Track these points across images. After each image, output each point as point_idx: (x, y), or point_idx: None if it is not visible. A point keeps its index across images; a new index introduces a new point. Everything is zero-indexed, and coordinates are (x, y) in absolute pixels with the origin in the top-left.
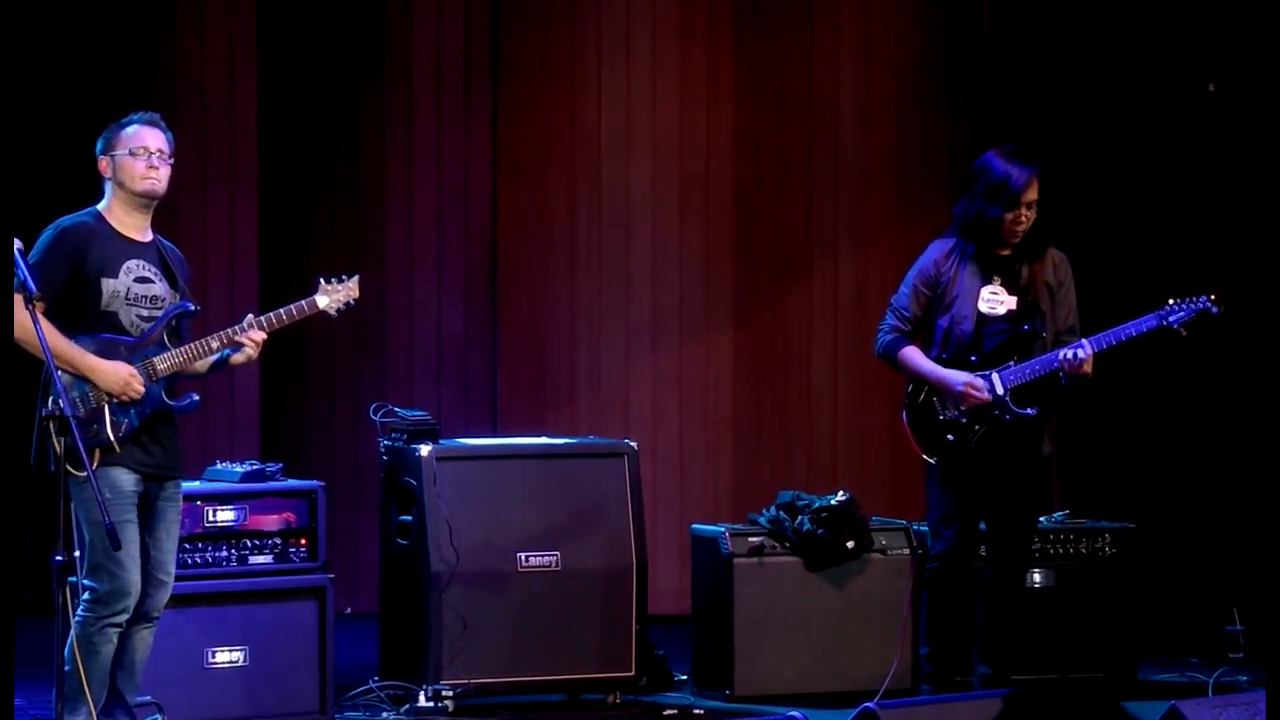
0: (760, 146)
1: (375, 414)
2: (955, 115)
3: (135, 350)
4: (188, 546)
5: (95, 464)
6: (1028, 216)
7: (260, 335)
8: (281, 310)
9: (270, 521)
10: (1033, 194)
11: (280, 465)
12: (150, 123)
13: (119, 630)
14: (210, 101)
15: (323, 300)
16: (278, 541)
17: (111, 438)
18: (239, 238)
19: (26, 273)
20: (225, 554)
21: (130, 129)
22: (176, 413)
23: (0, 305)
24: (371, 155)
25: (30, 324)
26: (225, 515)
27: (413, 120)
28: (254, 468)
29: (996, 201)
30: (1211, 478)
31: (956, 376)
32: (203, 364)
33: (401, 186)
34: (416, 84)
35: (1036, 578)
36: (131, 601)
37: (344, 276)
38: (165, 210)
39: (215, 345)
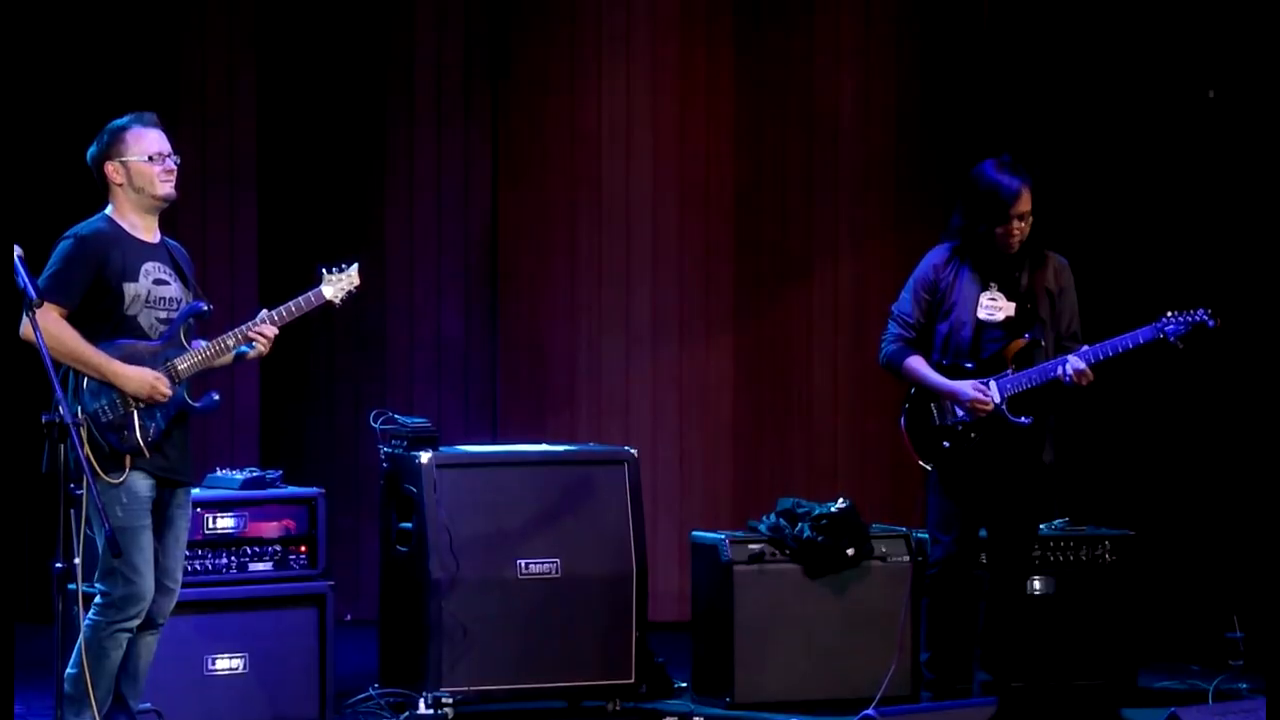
0: (760, 149)
1: (375, 421)
2: (955, 118)
3: (156, 354)
4: (188, 553)
5: (125, 471)
6: (1020, 229)
7: (273, 331)
8: (290, 304)
9: (270, 529)
10: (1024, 206)
11: (280, 472)
12: (155, 124)
13: (129, 635)
14: (210, 101)
15: (327, 290)
16: (278, 548)
17: (141, 442)
18: (239, 238)
19: (28, 280)
20: (225, 561)
21: (136, 130)
22: (199, 413)
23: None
24: (372, 157)
25: (60, 332)
26: (225, 522)
27: (413, 122)
28: (254, 475)
29: (987, 215)
30: (1211, 484)
31: (965, 387)
32: (222, 360)
33: (402, 188)
34: (417, 85)
35: (1037, 585)
36: (145, 606)
37: (343, 265)
38: (165, 210)
39: (231, 343)
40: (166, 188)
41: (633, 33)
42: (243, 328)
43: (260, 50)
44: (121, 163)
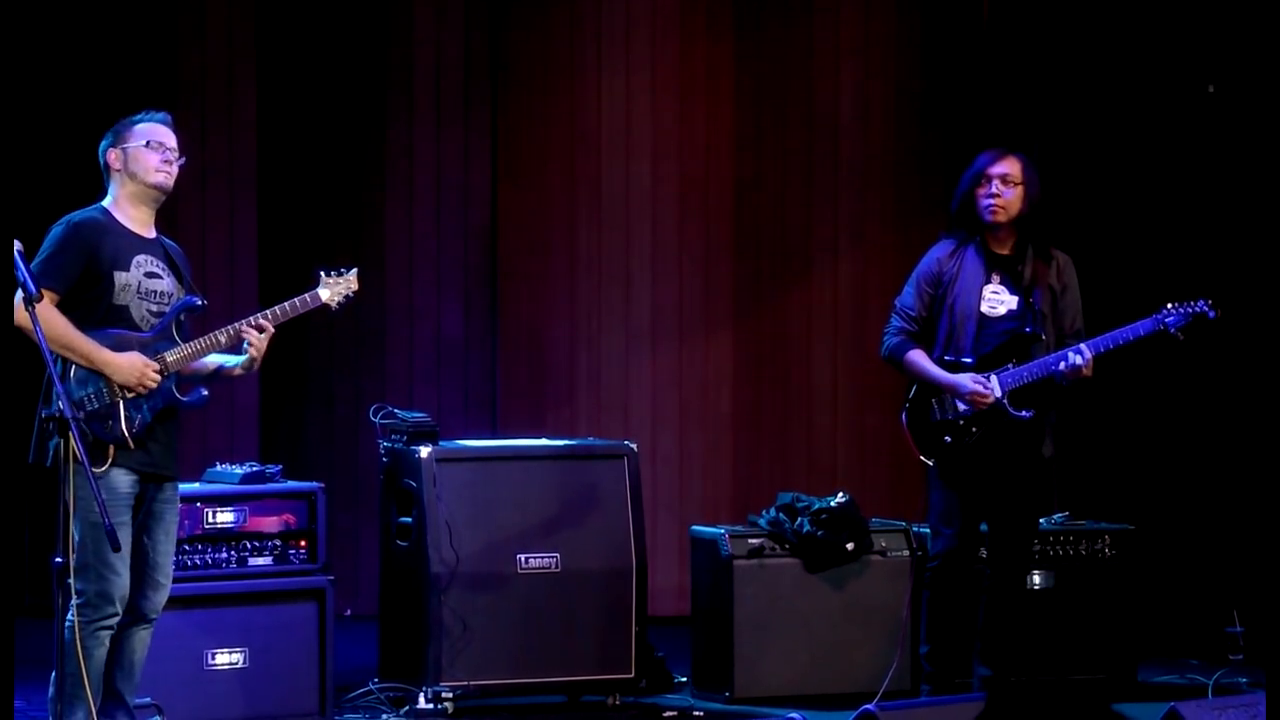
0: (760, 147)
1: (375, 415)
2: (954, 115)
3: (146, 346)
4: (187, 548)
5: (108, 462)
6: (999, 191)
7: (266, 330)
8: (285, 304)
9: (270, 523)
10: (1003, 169)
11: (280, 467)
12: (164, 121)
13: (110, 633)
14: (210, 101)
15: (324, 293)
16: (277, 543)
17: (126, 433)
18: (239, 238)
19: (26, 274)
20: (225, 556)
21: (144, 124)
22: (187, 408)
23: None
24: (371, 156)
25: (51, 318)
26: (225, 517)
27: (412, 121)
28: (254, 469)
29: (969, 177)
30: (1211, 479)
31: (964, 380)
32: (211, 360)
33: (401, 187)
34: (416, 85)
35: (1036, 579)
36: (120, 605)
37: (343, 270)
38: (165, 210)
39: (223, 339)
40: (160, 176)
41: (632, 31)
42: (236, 324)
43: (260, 50)
44: (122, 150)
